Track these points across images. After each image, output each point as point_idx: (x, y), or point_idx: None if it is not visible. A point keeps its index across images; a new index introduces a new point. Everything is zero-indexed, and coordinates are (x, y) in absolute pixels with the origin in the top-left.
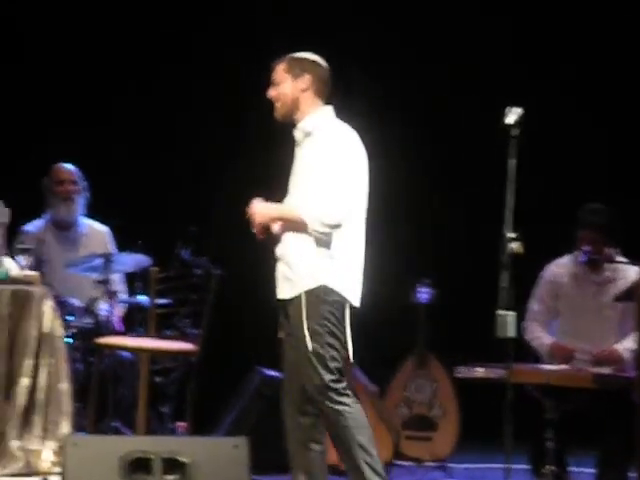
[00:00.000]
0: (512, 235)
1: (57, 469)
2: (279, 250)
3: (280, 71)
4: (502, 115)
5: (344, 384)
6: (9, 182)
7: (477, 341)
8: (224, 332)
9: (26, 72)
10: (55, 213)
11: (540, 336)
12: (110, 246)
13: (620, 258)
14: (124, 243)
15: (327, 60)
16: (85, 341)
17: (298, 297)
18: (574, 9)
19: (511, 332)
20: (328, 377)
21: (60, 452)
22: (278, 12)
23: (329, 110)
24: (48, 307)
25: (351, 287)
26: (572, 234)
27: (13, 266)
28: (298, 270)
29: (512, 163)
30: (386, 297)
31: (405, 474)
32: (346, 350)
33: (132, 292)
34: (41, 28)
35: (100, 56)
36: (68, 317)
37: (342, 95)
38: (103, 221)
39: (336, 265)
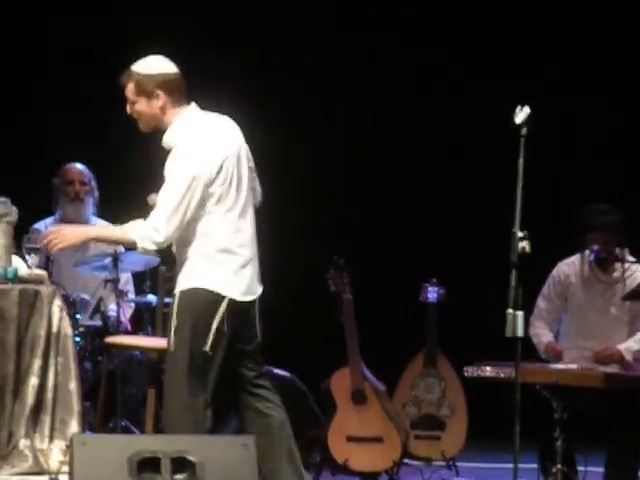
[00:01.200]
0: (521, 234)
1: (66, 468)
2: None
3: (131, 91)
4: (512, 114)
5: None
6: (18, 181)
7: (486, 340)
8: None
9: (36, 70)
10: (64, 213)
11: (540, 333)
12: (119, 246)
13: (629, 257)
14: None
15: None
16: (94, 340)
17: (174, 297)
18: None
19: (520, 331)
20: (182, 380)
21: (69, 451)
22: None
23: (191, 112)
24: (56, 306)
25: (232, 283)
26: (579, 234)
27: (21, 265)
28: (179, 272)
29: (521, 162)
30: (394, 296)
31: (413, 473)
32: (215, 348)
33: (141, 291)
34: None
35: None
36: (77, 316)
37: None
38: (112, 220)
39: (212, 264)
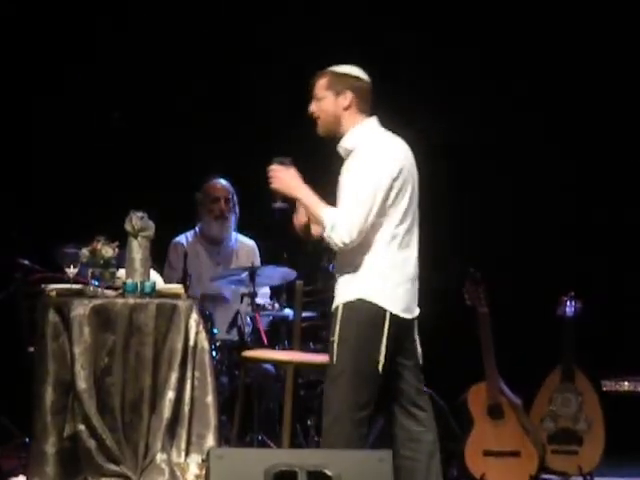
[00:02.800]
0: None
1: None
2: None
3: (321, 86)
4: None
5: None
6: (156, 195)
7: (624, 354)
8: None
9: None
10: (208, 229)
11: None
12: (256, 261)
13: None
14: (270, 257)
15: None
16: (230, 354)
17: (337, 309)
18: None
19: None
20: (343, 393)
21: (205, 465)
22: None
23: (372, 123)
24: (193, 320)
25: (394, 298)
26: None
27: (159, 279)
28: (341, 283)
29: None
30: (531, 310)
31: None
32: (380, 362)
33: (277, 305)
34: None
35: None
36: (213, 330)
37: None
38: (251, 235)
39: (376, 277)
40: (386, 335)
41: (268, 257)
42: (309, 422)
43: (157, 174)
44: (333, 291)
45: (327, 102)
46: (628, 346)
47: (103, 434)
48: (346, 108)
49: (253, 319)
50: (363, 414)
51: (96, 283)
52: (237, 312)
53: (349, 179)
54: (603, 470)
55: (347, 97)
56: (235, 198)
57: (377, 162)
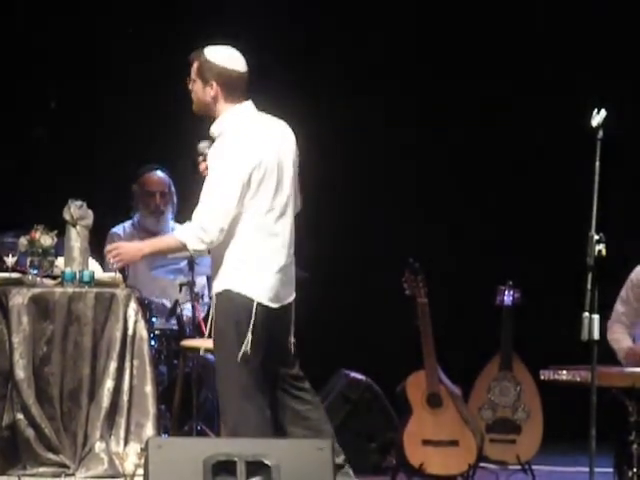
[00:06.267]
0: (597, 237)
1: (141, 471)
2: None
3: (194, 70)
4: (589, 116)
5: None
6: (94, 182)
7: (562, 343)
8: (308, 334)
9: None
10: (144, 223)
11: (619, 338)
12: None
13: None
14: None
15: None
16: (169, 343)
17: (213, 300)
18: None
19: (596, 335)
20: (236, 384)
21: (144, 454)
22: None
23: (242, 109)
24: (132, 309)
25: (261, 287)
26: None
27: (97, 268)
28: (214, 273)
29: (597, 165)
30: (470, 299)
31: (489, 477)
32: (248, 352)
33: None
34: None
35: None
36: (152, 319)
37: None
38: None
39: (243, 268)
40: (252, 325)
41: None
42: None
43: (97, 162)
44: None
45: (197, 87)
46: (566, 335)
47: (42, 423)
48: (213, 98)
49: (192, 308)
50: (260, 399)
51: (35, 272)
52: (176, 301)
53: (209, 173)
54: (541, 459)
55: (213, 88)
56: (172, 189)
57: (237, 152)
